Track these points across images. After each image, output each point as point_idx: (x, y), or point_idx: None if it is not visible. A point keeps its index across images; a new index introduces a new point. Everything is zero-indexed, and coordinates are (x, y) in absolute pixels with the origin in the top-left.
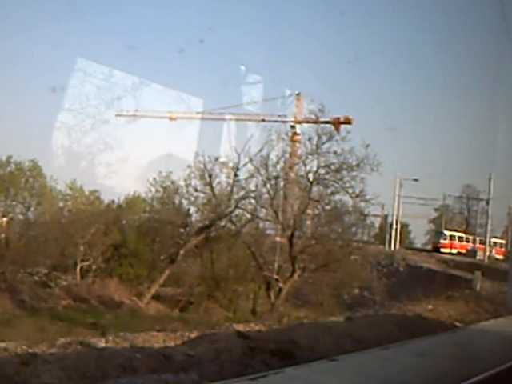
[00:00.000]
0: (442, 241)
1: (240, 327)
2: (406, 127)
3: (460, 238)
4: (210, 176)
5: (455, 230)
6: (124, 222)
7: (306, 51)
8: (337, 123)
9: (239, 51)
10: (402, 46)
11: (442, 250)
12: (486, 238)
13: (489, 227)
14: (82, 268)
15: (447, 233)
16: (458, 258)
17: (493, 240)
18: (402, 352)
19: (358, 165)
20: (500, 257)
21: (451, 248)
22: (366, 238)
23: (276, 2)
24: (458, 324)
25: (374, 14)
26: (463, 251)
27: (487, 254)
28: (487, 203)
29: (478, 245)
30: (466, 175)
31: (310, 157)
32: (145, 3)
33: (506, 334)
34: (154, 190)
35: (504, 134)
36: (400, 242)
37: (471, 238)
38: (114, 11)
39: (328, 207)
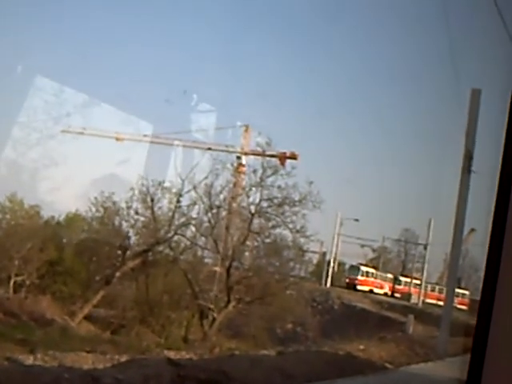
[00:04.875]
0: (359, 277)
1: (171, 354)
2: (348, 168)
3: (372, 274)
4: (152, 200)
5: (366, 265)
6: (62, 239)
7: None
8: (282, 158)
9: (189, 78)
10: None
11: (359, 287)
12: (422, 282)
13: (425, 272)
14: (15, 282)
15: (364, 268)
16: (392, 300)
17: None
18: None
19: (300, 201)
20: (433, 301)
21: (366, 285)
22: (303, 274)
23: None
24: (388, 366)
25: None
26: (374, 289)
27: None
28: (425, 248)
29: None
30: (405, 219)
31: (253, 189)
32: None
33: (434, 378)
34: (94, 209)
35: (446, 181)
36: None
37: (386, 276)
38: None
39: (268, 240)
